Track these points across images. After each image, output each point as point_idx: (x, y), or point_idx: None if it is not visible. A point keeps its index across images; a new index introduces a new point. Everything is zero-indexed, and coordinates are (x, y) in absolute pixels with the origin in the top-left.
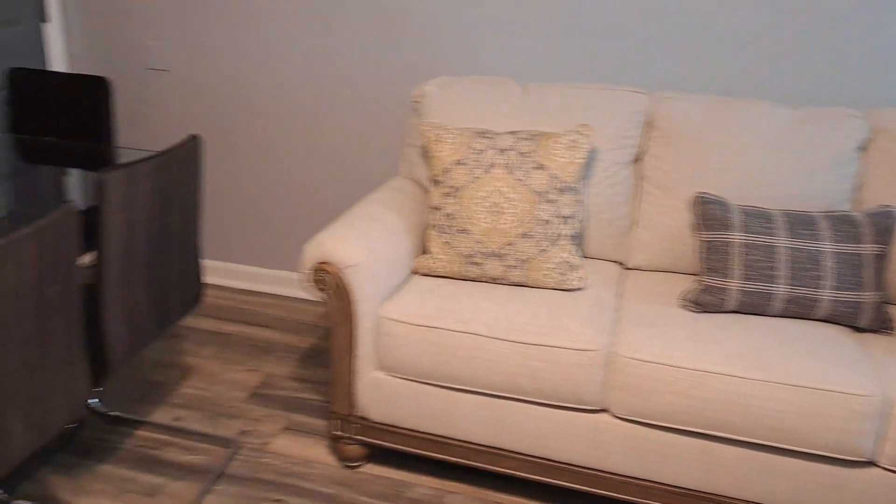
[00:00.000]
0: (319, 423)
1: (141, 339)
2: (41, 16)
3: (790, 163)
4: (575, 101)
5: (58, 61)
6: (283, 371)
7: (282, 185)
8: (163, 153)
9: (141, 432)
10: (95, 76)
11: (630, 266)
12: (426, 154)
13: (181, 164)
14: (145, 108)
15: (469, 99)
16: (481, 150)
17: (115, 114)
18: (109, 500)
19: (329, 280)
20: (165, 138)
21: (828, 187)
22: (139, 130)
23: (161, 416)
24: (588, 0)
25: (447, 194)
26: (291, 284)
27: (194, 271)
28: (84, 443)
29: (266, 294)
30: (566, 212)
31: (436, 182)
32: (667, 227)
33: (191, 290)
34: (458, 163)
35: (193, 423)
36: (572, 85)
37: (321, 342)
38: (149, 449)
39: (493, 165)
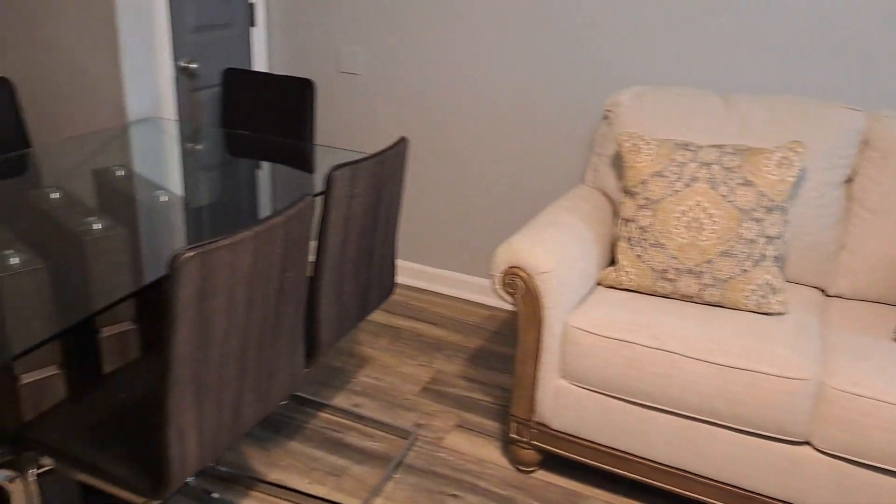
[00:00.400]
0: (491, 425)
1: (344, 326)
2: (250, 20)
3: None
4: (783, 115)
5: (260, 62)
6: (452, 369)
7: (460, 187)
8: (379, 153)
9: (324, 414)
10: (301, 78)
11: (831, 293)
12: (621, 164)
13: (392, 164)
14: (335, 108)
15: (665, 110)
16: (682, 163)
17: (315, 114)
18: (297, 475)
19: (519, 284)
20: (352, 138)
21: None
22: (329, 129)
23: (341, 400)
24: (795, 9)
25: (642, 206)
26: (459, 285)
27: (390, 266)
28: (276, 420)
29: (433, 293)
30: (772, 232)
31: (630, 193)
32: (879, 254)
33: (386, 284)
34: (657, 174)
35: (371, 410)
36: (779, 98)
37: (488, 344)
38: (332, 431)
39: (694, 179)
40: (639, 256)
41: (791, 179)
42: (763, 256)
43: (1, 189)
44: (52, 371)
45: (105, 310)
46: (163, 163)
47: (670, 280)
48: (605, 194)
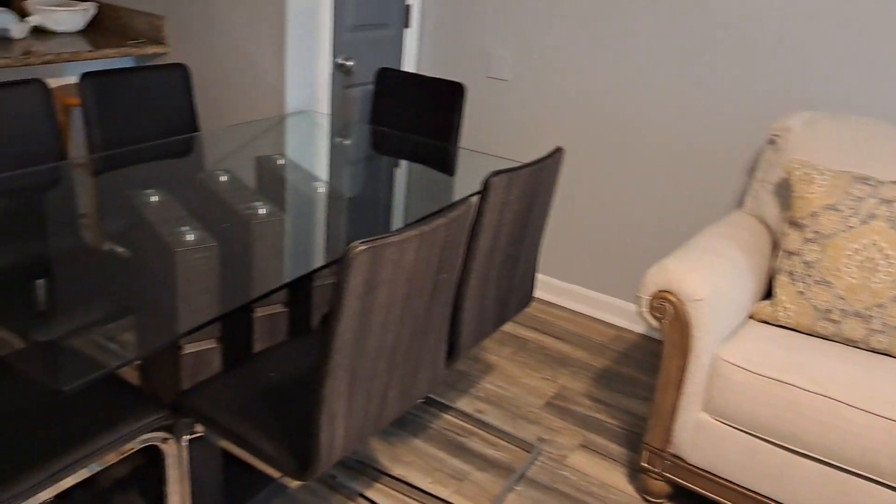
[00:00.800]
0: (617, 449)
1: (483, 331)
2: (405, 21)
3: None
4: None
5: (409, 63)
6: (577, 386)
7: (603, 202)
8: (536, 162)
9: (448, 416)
10: (452, 81)
11: None
12: (788, 192)
13: (547, 174)
14: (480, 113)
15: (840, 139)
16: (860, 198)
17: (463, 118)
18: (420, 473)
19: (669, 310)
20: (495, 144)
21: None
22: (472, 134)
23: (465, 405)
24: None
25: (809, 240)
26: (588, 302)
27: (531, 276)
28: (403, 416)
29: (561, 307)
30: None
31: (796, 224)
32: None
33: (525, 293)
34: (830, 208)
35: (494, 418)
36: None
37: (614, 365)
38: (456, 434)
39: (872, 216)
40: (800, 293)
41: None
42: None
43: (176, 168)
44: (210, 344)
45: (272, 293)
46: (318, 155)
47: (834, 321)
48: (765, 223)
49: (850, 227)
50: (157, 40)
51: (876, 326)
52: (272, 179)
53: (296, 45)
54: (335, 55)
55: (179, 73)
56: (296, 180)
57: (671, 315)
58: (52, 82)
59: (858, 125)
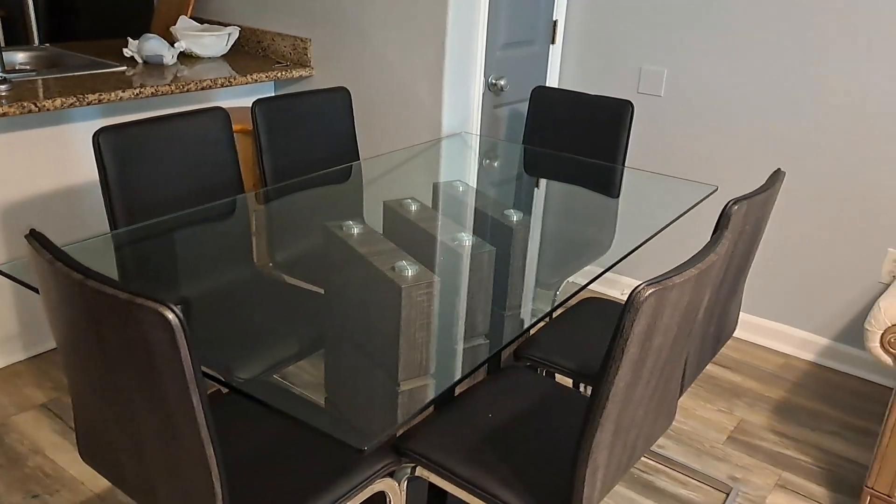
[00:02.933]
0: (818, 490)
1: (701, 366)
2: (552, 38)
3: None
4: None
5: (552, 79)
6: (757, 420)
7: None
8: (766, 187)
9: None
10: (620, 99)
11: None
12: None
13: (771, 199)
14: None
15: None
16: None
17: (630, 136)
18: None
19: None
20: (647, 162)
21: None
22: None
23: None
24: None
25: None
26: (752, 329)
27: (739, 304)
28: None
29: None
30: None
31: None
32: None
33: (733, 324)
34: None
35: (678, 454)
36: None
37: (791, 396)
38: (641, 472)
39: None
40: None
41: None
42: None
43: (359, 195)
44: (424, 381)
45: (519, 337)
46: (493, 180)
47: None
48: None
49: None
50: (302, 63)
51: None
52: (459, 207)
53: (453, 67)
54: (486, 74)
55: (342, 97)
56: (484, 208)
57: None
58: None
59: None
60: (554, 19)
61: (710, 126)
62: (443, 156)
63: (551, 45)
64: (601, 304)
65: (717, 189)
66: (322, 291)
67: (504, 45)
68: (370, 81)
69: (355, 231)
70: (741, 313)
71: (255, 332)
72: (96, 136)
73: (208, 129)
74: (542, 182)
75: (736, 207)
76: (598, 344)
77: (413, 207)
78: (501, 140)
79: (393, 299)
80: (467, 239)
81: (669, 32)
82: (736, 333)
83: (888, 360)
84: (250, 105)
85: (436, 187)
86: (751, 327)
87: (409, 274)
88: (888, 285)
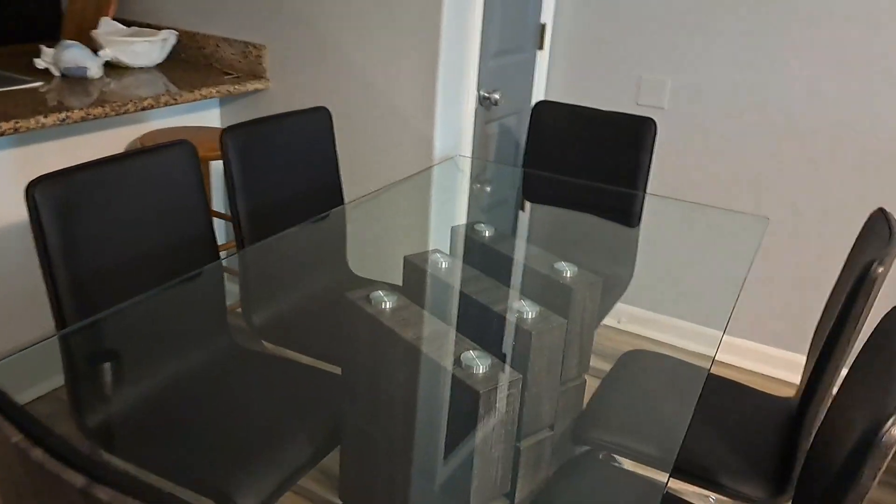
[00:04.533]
0: None
1: None
2: (539, 43)
3: None
4: None
5: (540, 89)
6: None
7: (798, 259)
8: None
9: None
10: (640, 116)
11: None
12: None
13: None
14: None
15: None
16: None
17: (652, 158)
18: None
19: None
20: (657, 185)
21: None
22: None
23: None
24: None
25: None
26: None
27: None
28: None
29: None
30: None
31: None
32: None
33: None
34: None
35: None
36: None
37: None
38: None
39: None
40: None
41: None
42: None
43: (365, 246)
44: (545, 434)
45: None
46: (516, 219)
47: None
48: None
49: None
50: (255, 73)
51: None
52: (495, 259)
53: (446, 79)
54: (478, 87)
55: (322, 118)
56: (528, 260)
57: None
58: (137, 129)
59: None
60: (542, 22)
61: (726, 142)
62: (443, 187)
63: (538, 52)
64: (648, 357)
65: (768, 222)
66: (345, 382)
67: (496, 53)
68: (345, 97)
69: (387, 305)
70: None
71: (262, 437)
72: (30, 190)
73: (173, 169)
74: (580, 217)
75: (881, 270)
76: (664, 414)
77: (443, 264)
78: (500, 163)
79: (465, 405)
80: (528, 308)
81: (674, 36)
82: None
83: None
84: (193, 126)
85: (455, 233)
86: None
87: (481, 370)
88: None
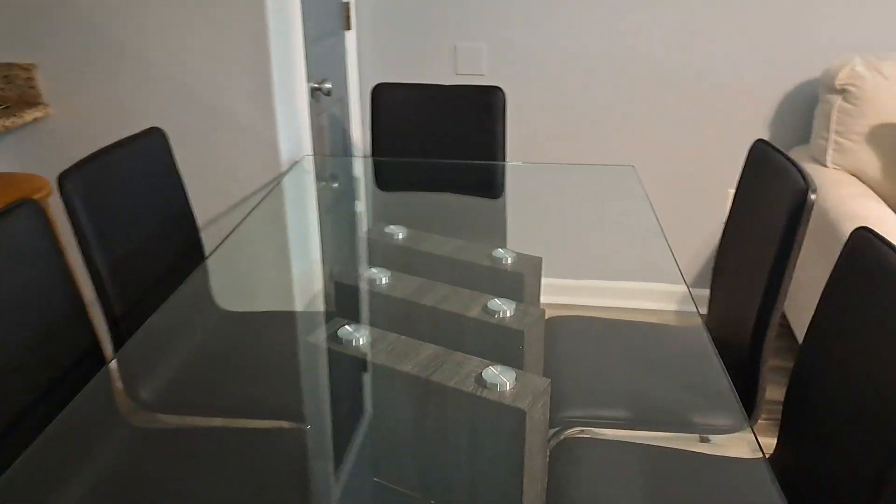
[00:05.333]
0: None
1: None
2: (345, 23)
3: None
4: None
5: (353, 70)
6: None
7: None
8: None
9: None
10: (486, 86)
11: None
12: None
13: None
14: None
15: None
16: None
17: (505, 128)
18: None
19: None
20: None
21: None
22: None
23: None
24: None
25: None
26: None
27: None
28: None
29: None
30: None
31: None
32: None
33: None
34: None
35: None
36: None
37: None
38: None
39: None
40: None
41: None
42: None
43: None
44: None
45: None
46: (410, 211)
47: None
48: (856, 175)
49: None
50: (27, 100)
51: None
52: (434, 263)
53: (281, 75)
54: (308, 78)
55: (157, 141)
56: (462, 254)
57: None
58: None
59: None
60: (343, 1)
61: (550, 101)
62: (311, 195)
63: (346, 33)
64: (571, 322)
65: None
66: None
67: (315, 40)
68: (164, 112)
69: (361, 339)
70: None
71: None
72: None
73: (22, 240)
74: (441, 198)
75: (814, 196)
76: (617, 375)
77: (382, 279)
78: (348, 157)
79: (505, 427)
80: (504, 307)
81: (482, 3)
82: None
83: None
84: None
85: (371, 241)
86: None
87: (508, 386)
88: None
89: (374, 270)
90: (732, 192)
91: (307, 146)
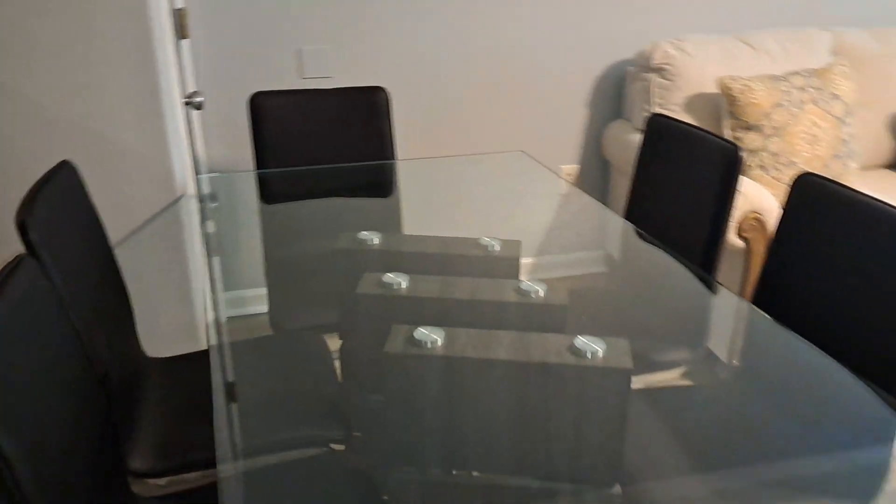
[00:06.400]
0: None
1: None
2: (180, 32)
3: None
4: (790, 44)
5: (191, 80)
6: None
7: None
8: None
9: None
10: (369, 87)
11: None
12: (719, 106)
13: None
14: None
15: (708, 56)
16: (788, 91)
17: (392, 127)
18: None
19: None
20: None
21: None
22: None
23: None
24: None
25: (769, 135)
26: None
27: None
28: None
29: None
30: (853, 131)
31: (752, 128)
32: None
33: None
34: (777, 105)
35: None
36: (782, 31)
37: None
38: None
39: (803, 102)
40: (776, 178)
41: (853, 87)
42: (852, 152)
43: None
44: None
45: None
46: (378, 220)
47: None
48: None
49: (794, 115)
50: None
51: None
52: (424, 262)
53: (169, 92)
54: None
55: (71, 175)
56: (454, 249)
57: None
58: None
59: (708, 41)
60: (178, 7)
61: (400, 98)
62: (183, 221)
63: (182, 42)
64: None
65: (523, 154)
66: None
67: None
68: (101, 154)
69: (438, 340)
70: None
71: None
72: None
73: None
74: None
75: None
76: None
77: (402, 284)
78: (233, 172)
79: (613, 388)
80: (535, 287)
81: (325, 4)
82: None
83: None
84: None
85: (351, 255)
86: None
87: (601, 352)
88: None
89: (389, 276)
90: (565, 168)
91: (189, 166)
